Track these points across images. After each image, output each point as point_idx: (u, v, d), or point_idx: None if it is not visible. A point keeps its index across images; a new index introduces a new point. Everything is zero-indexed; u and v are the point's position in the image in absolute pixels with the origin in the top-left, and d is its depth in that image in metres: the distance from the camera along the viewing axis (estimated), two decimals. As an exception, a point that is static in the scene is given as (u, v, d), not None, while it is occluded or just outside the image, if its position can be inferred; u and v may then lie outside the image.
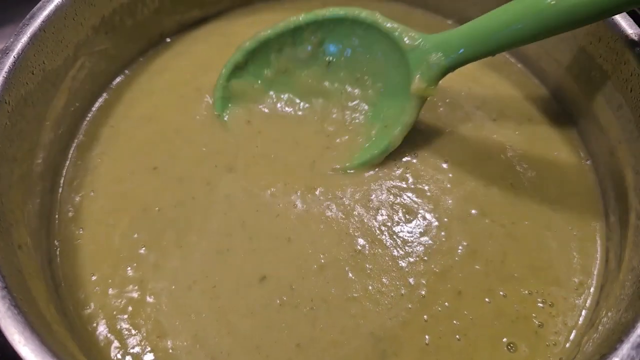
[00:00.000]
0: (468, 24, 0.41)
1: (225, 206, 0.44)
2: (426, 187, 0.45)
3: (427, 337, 0.38)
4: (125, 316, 0.39)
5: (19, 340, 0.31)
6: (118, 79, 0.52)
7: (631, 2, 0.35)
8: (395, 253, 0.42)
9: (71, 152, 0.48)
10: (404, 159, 0.46)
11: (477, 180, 0.45)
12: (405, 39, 0.43)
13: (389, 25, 0.44)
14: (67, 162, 0.47)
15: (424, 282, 0.40)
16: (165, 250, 0.42)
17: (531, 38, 0.38)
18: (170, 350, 0.38)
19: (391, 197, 0.44)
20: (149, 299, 0.40)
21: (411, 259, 0.41)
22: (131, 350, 0.38)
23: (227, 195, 0.44)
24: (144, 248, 0.42)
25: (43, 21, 0.43)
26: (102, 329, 0.39)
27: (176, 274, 0.41)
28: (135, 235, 0.43)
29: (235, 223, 0.43)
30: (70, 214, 0.44)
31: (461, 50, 0.41)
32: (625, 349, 0.30)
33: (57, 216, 0.44)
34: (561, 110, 0.50)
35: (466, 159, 0.46)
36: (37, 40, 0.42)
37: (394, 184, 0.45)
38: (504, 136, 0.48)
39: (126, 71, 0.53)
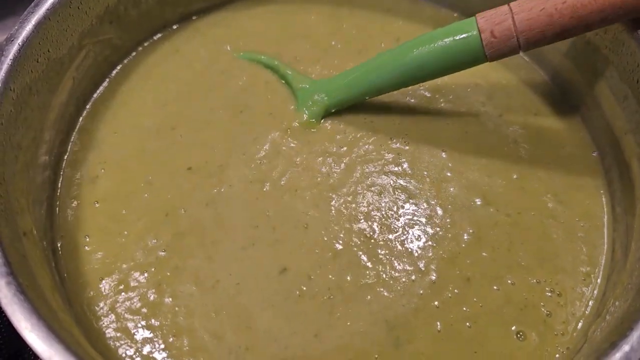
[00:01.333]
0: (344, 74, 0.48)
1: (250, 196, 0.44)
2: (425, 173, 0.45)
3: (438, 323, 0.38)
4: (138, 317, 0.39)
5: (26, 326, 0.31)
6: (119, 68, 0.52)
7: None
8: (404, 238, 0.42)
9: (73, 139, 0.48)
10: (394, 146, 0.47)
11: (479, 171, 0.45)
12: (297, 82, 0.50)
13: (287, 70, 0.51)
14: (68, 154, 0.47)
15: (433, 267, 0.40)
16: (187, 250, 0.42)
17: (391, 88, 0.47)
18: (186, 348, 0.38)
19: (390, 181, 0.45)
20: (167, 300, 0.40)
21: (420, 245, 0.41)
22: (142, 348, 0.38)
23: (250, 183, 0.44)
24: (162, 250, 0.42)
25: (48, 9, 0.43)
26: (110, 326, 0.39)
27: (198, 275, 0.40)
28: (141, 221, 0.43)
29: (260, 214, 0.43)
30: (73, 204, 0.44)
31: (339, 96, 0.48)
32: (635, 336, 0.30)
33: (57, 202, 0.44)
34: (567, 104, 0.50)
35: (468, 150, 0.47)
36: (42, 28, 0.42)
37: (389, 169, 0.45)
38: (509, 130, 0.48)
39: (125, 61, 0.53)
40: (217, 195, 0.44)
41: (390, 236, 0.42)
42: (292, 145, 0.47)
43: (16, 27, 0.41)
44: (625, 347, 0.30)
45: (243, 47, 0.54)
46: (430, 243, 0.42)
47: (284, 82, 0.51)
